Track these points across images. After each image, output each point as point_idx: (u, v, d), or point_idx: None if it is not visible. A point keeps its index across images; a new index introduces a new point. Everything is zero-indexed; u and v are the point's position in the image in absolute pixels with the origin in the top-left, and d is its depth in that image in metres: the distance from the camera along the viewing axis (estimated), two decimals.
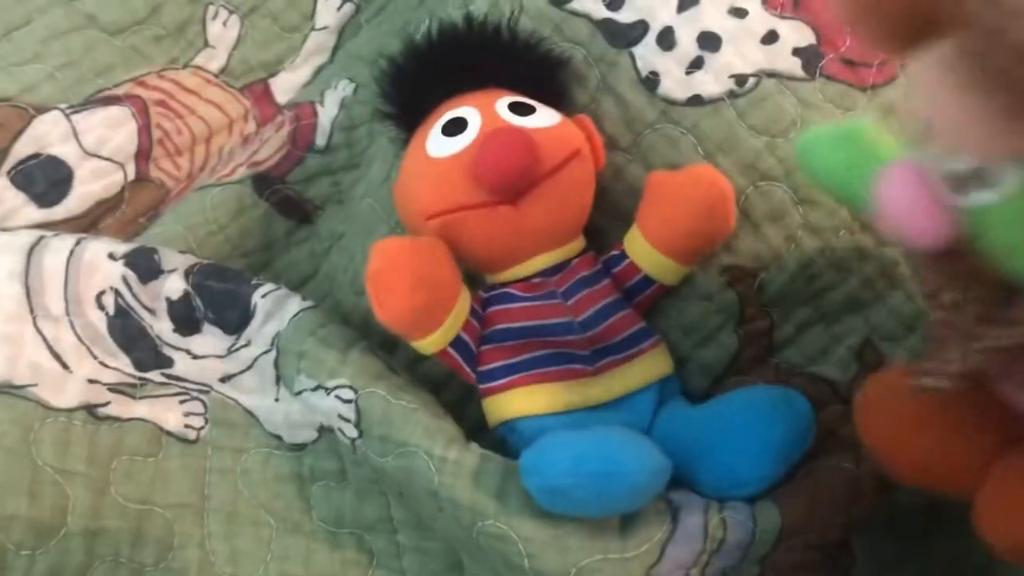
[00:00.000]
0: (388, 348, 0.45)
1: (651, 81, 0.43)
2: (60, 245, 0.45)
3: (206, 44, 0.57)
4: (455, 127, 0.40)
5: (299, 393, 0.43)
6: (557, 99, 0.44)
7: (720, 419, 0.39)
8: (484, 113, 0.40)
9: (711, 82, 0.42)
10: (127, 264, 0.45)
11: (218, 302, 0.46)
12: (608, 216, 0.45)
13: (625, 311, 0.42)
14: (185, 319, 0.45)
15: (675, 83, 0.43)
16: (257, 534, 0.44)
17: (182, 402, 0.45)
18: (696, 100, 0.42)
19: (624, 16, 0.43)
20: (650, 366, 0.42)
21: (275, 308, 0.45)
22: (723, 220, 0.41)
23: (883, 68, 0.43)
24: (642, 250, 0.41)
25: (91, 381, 0.44)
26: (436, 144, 0.40)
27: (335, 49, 0.58)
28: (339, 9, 0.59)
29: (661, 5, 0.43)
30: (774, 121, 0.42)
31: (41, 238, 0.45)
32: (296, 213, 0.53)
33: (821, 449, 0.44)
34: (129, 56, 0.55)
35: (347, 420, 0.41)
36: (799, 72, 0.42)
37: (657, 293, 0.43)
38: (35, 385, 0.43)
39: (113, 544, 0.42)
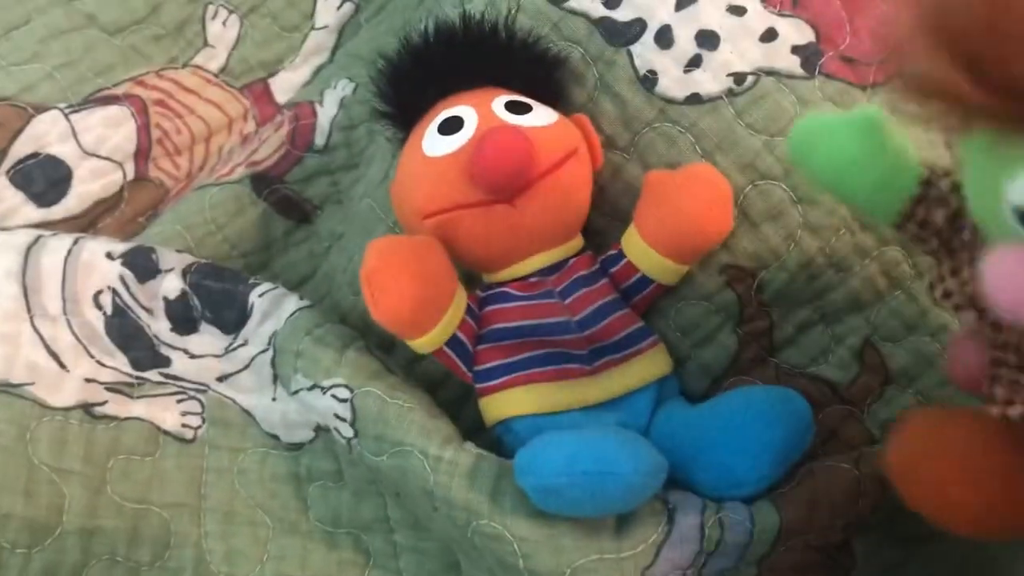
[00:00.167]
0: (385, 348, 0.45)
1: (649, 80, 0.43)
2: (58, 245, 0.45)
3: (205, 43, 0.57)
4: (451, 126, 0.40)
5: (296, 392, 0.43)
6: (554, 98, 0.43)
7: (718, 419, 0.39)
8: (480, 112, 0.40)
9: (709, 80, 0.42)
10: (125, 263, 0.45)
11: (215, 301, 0.46)
12: (606, 216, 0.45)
13: (623, 311, 0.42)
14: (182, 318, 0.46)
15: (673, 82, 0.42)
16: (254, 534, 0.44)
17: (179, 401, 0.45)
18: (694, 99, 0.42)
19: (622, 14, 0.43)
20: (648, 366, 0.41)
21: (272, 307, 0.45)
22: (722, 219, 0.40)
23: (883, 66, 0.43)
24: (639, 250, 0.41)
25: (88, 380, 0.44)
26: (432, 143, 0.40)
27: (335, 49, 0.59)
28: (339, 8, 0.59)
29: (659, 3, 0.43)
30: (773, 120, 0.41)
31: (39, 237, 0.45)
32: (295, 213, 0.53)
33: (821, 450, 0.44)
34: (128, 56, 0.55)
35: (343, 419, 0.41)
36: (798, 70, 0.42)
37: (655, 293, 0.42)
38: (32, 384, 0.43)
39: (109, 543, 0.42)
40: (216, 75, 0.57)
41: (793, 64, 0.42)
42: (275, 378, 0.45)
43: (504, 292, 0.41)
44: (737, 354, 0.44)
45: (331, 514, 0.44)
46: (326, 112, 0.54)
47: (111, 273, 0.45)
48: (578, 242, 0.43)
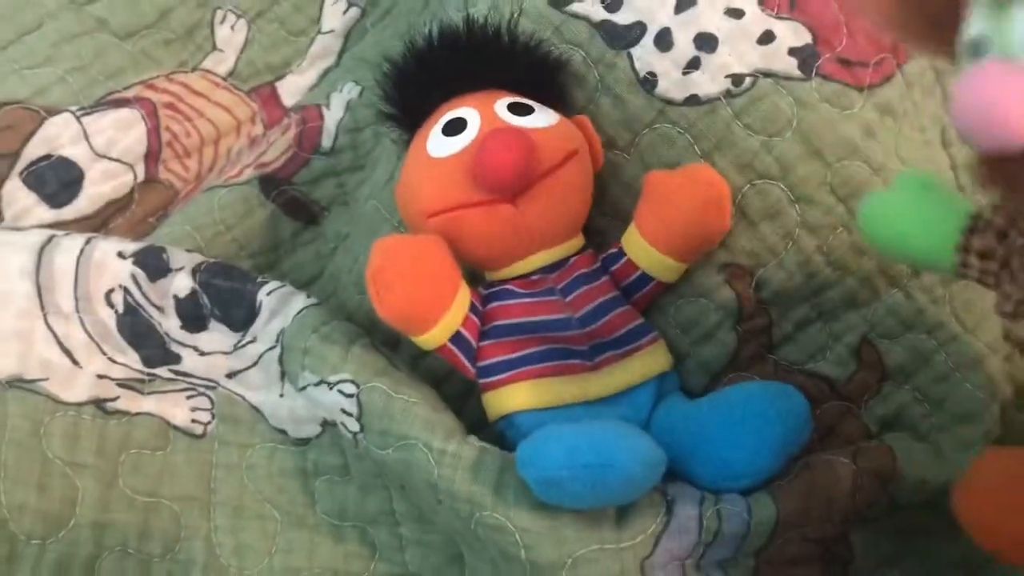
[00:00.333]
0: (391, 345, 0.46)
1: (649, 81, 0.43)
2: (70, 244, 0.46)
3: (214, 48, 0.58)
4: (455, 127, 0.41)
5: (303, 388, 0.44)
6: (556, 100, 0.44)
7: (717, 413, 0.40)
8: (483, 113, 0.41)
9: (708, 82, 0.43)
10: (136, 263, 0.46)
11: (224, 300, 0.46)
12: (607, 215, 0.45)
13: (623, 308, 0.42)
14: (192, 316, 0.46)
15: (672, 83, 0.43)
16: (262, 527, 0.45)
17: (189, 397, 0.46)
18: (693, 100, 0.43)
19: (622, 18, 0.44)
20: (648, 362, 0.42)
21: (280, 305, 0.46)
22: (720, 218, 0.41)
23: (879, 67, 0.43)
24: (640, 248, 0.42)
25: (100, 376, 0.45)
26: (437, 144, 0.41)
27: (341, 53, 0.60)
28: (345, 13, 0.60)
29: (659, 7, 0.43)
30: (770, 120, 0.42)
31: (52, 237, 0.46)
32: (302, 214, 0.54)
33: (819, 446, 0.44)
34: (139, 59, 0.56)
35: (349, 414, 0.42)
36: (795, 72, 0.43)
37: (655, 291, 0.43)
38: (46, 380, 0.44)
39: (121, 535, 0.43)
40: (225, 79, 0.58)
41: (790, 66, 0.43)
42: (283, 374, 0.45)
43: (507, 289, 0.42)
44: (736, 351, 0.44)
45: (338, 508, 0.45)
46: (332, 115, 0.55)
47: (123, 272, 0.46)
48: (579, 241, 0.43)
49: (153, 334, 0.46)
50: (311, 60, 0.59)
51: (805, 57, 0.43)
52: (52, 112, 0.53)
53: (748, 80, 0.43)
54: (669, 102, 0.43)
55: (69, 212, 0.52)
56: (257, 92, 0.58)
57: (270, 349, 0.46)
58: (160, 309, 0.46)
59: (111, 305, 0.46)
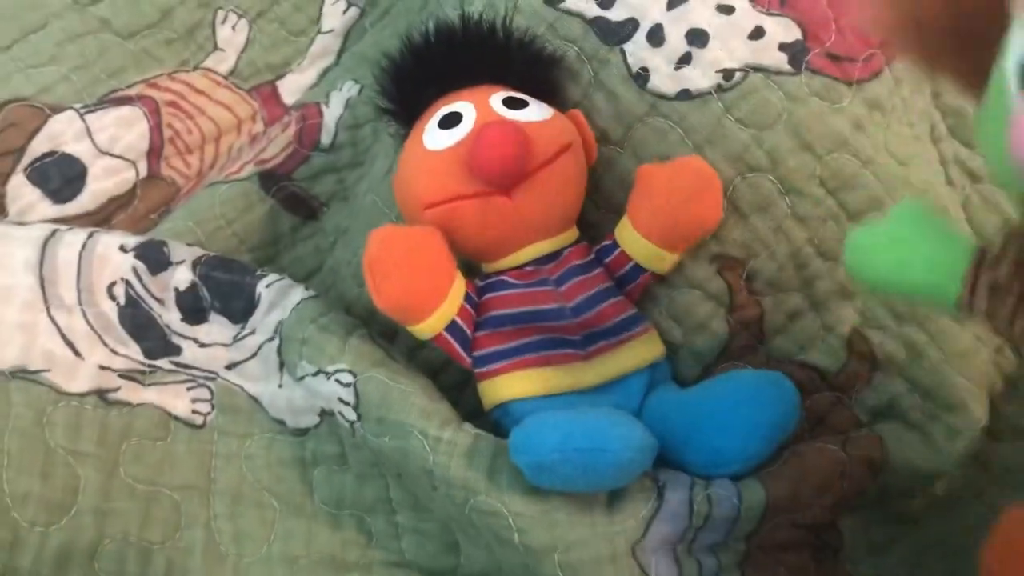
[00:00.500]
0: (388, 337, 0.47)
1: (641, 77, 0.44)
2: (73, 238, 0.47)
3: (216, 47, 0.59)
4: (451, 121, 0.42)
5: (301, 379, 0.45)
6: (550, 95, 0.45)
7: (708, 400, 0.41)
8: (479, 107, 0.42)
9: (699, 77, 0.43)
10: (137, 256, 0.47)
11: (224, 292, 0.47)
12: (601, 209, 0.46)
13: (616, 298, 0.43)
14: (192, 309, 0.47)
15: (664, 78, 0.44)
16: (261, 516, 0.45)
17: (189, 389, 0.47)
18: (685, 94, 0.44)
19: (615, 14, 0.45)
20: (640, 351, 0.43)
21: (278, 297, 0.46)
22: (711, 210, 0.42)
23: (868, 63, 0.44)
24: (632, 239, 0.43)
25: (102, 368, 0.45)
26: (433, 137, 0.42)
27: (340, 52, 0.60)
28: (344, 13, 0.61)
29: (651, 3, 0.44)
30: (760, 114, 0.43)
31: (55, 231, 0.47)
32: (302, 210, 0.55)
33: (809, 435, 0.45)
34: (141, 58, 0.57)
35: (346, 403, 0.42)
36: (785, 67, 0.43)
37: (648, 282, 0.44)
38: (48, 371, 0.44)
39: (122, 523, 0.43)
40: (226, 77, 0.59)
41: (780, 61, 0.43)
42: (281, 365, 0.46)
43: (502, 280, 0.43)
44: (728, 341, 0.45)
45: (335, 496, 0.45)
46: (332, 112, 0.56)
47: (124, 265, 0.47)
48: (573, 233, 0.44)
49: (154, 326, 0.47)
50: (311, 59, 0.60)
51: (795, 52, 0.43)
52: (56, 110, 0.54)
53: (739, 75, 0.43)
54: (661, 96, 0.44)
55: (72, 208, 0.53)
56: (258, 91, 0.59)
57: (269, 340, 0.46)
58: (161, 302, 0.47)
59: (113, 298, 0.46)
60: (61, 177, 0.53)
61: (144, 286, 0.47)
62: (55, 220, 0.52)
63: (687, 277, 0.44)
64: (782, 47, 0.44)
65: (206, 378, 0.47)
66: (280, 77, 0.60)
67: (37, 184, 0.53)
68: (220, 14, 0.59)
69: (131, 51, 0.57)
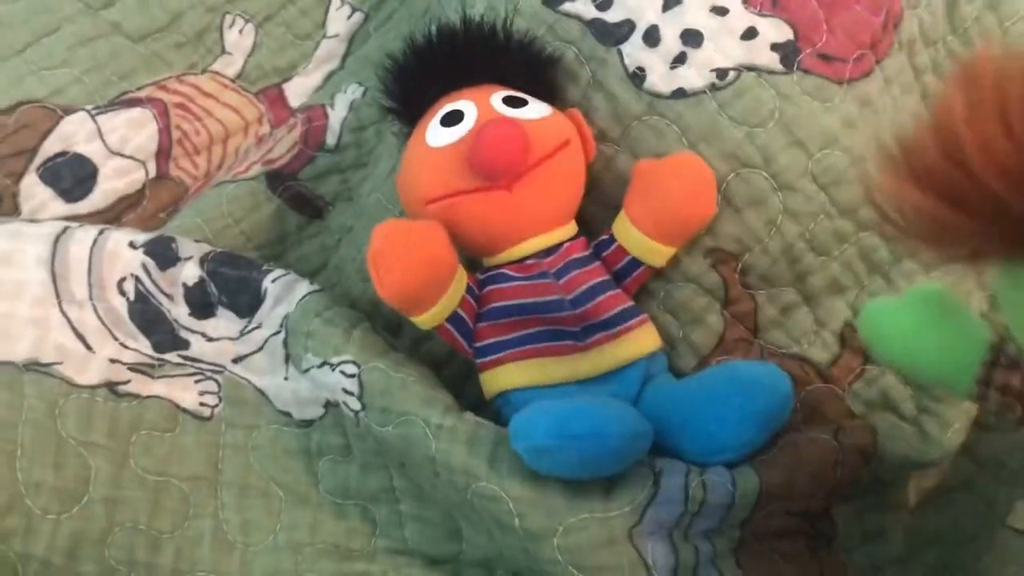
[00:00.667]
0: (392, 330, 0.48)
1: (638, 76, 0.45)
2: (84, 235, 0.48)
3: (223, 51, 0.60)
4: (453, 119, 0.43)
5: (306, 371, 0.46)
6: (549, 94, 0.46)
7: (703, 390, 0.42)
8: (480, 106, 0.43)
9: (694, 76, 0.44)
10: (146, 252, 0.48)
11: (231, 287, 0.48)
12: (600, 205, 0.47)
13: (614, 291, 0.44)
14: (200, 304, 0.48)
15: (660, 78, 0.45)
16: (267, 505, 0.46)
17: (197, 381, 0.48)
18: (680, 93, 0.45)
19: (612, 16, 0.46)
20: (637, 342, 0.44)
21: (284, 292, 0.48)
22: (706, 205, 0.43)
23: (858, 63, 0.45)
24: (629, 234, 0.44)
25: (112, 361, 0.46)
26: (435, 135, 0.43)
27: (345, 56, 0.62)
28: (349, 18, 0.62)
29: (647, 5, 0.45)
30: (753, 112, 0.44)
31: (66, 228, 0.48)
32: (308, 209, 0.56)
33: (803, 427, 0.45)
34: (151, 61, 0.58)
35: (351, 393, 0.43)
36: (777, 66, 0.44)
37: (645, 275, 0.45)
38: (60, 364, 0.45)
39: (132, 512, 0.44)
40: (233, 80, 0.60)
41: (772, 60, 0.44)
42: (287, 358, 0.47)
43: (502, 273, 0.44)
44: (723, 334, 0.46)
45: (340, 486, 0.46)
46: (337, 114, 0.57)
47: (134, 261, 0.48)
48: (572, 228, 0.45)
49: (163, 321, 0.48)
50: (316, 63, 0.61)
51: (787, 52, 0.44)
52: (68, 111, 0.55)
53: (732, 74, 0.44)
54: (657, 95, 0.45)
55: (83, 207, 0.54)
56: (264, 93, 0.61)
57: (275, 334, 0.47)
58: (169, 297, 0.48)
59: (123, 293, 0.47)
60: (73, 177, 0.54)
61: (153, 281, 0.48)
62: (67, 218, 0.53)
63: (683, 272, 0.45)
64: (774, 47, 0.45)
65: (213, 371, 0.48)
66: (286, 80, 0.61)
67: (49, 183, 0.54)
68: (228, 18, 0.61)
69: (141, 54, 0.58)
